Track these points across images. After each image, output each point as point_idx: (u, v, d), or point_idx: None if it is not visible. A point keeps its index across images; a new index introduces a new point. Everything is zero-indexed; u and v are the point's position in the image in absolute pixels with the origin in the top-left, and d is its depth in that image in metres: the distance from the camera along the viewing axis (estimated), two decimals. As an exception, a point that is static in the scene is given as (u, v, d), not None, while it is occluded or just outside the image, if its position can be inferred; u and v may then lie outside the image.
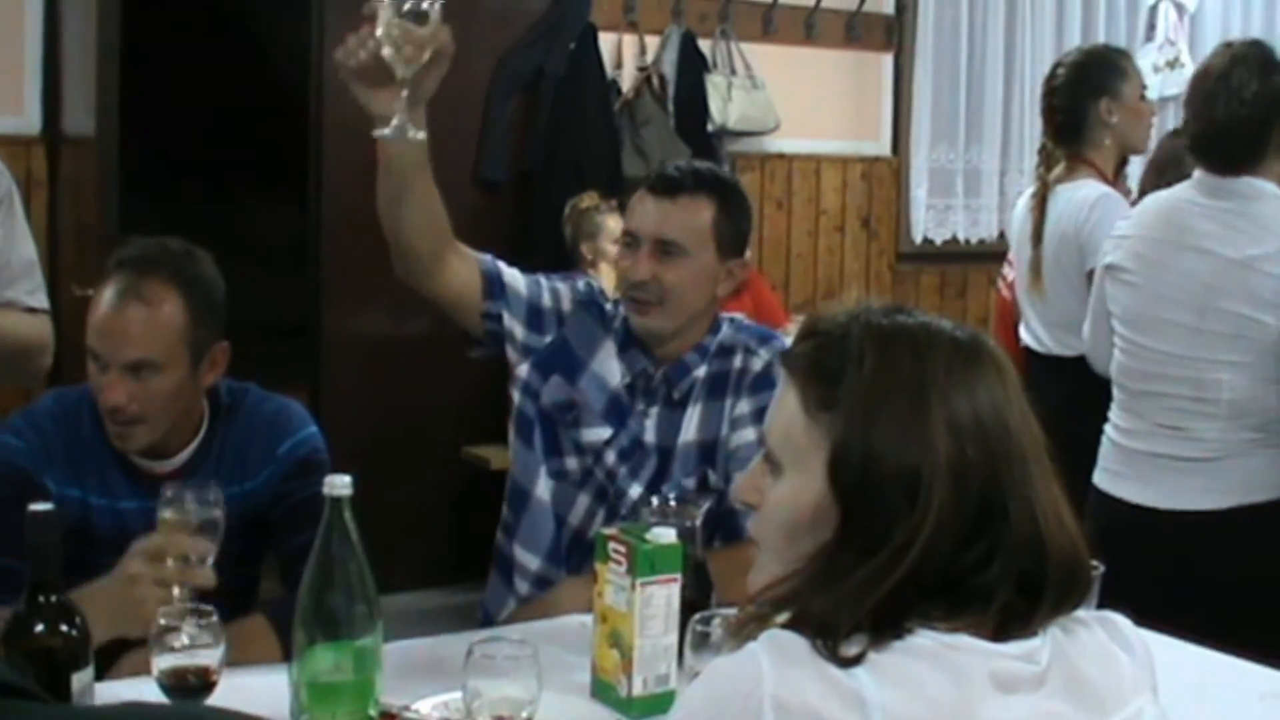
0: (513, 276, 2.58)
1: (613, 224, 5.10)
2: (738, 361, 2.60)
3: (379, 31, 2.06)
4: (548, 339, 2.59)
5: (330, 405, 5.41)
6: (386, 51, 2.06)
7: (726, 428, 2.57)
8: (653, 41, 5.98)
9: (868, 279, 6.69)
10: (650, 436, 2.59)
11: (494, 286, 2.53)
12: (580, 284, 2.67)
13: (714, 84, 5.98)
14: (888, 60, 6.74)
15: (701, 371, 2.59)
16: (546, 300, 2.60)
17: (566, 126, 5.63)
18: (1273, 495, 3.01)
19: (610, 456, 2.60)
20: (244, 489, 2.44)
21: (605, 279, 4.66)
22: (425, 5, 2.06)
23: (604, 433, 2.58)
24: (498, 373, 4.49)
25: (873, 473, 1.32)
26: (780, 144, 6.42)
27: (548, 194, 5.50)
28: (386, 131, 2.16)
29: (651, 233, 2.52)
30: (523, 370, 2.60)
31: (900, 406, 1.33)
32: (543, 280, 2.63)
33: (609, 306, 2.67)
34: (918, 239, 6.84)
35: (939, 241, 6.89)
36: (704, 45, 6.06)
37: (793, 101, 6.23)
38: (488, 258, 2.56)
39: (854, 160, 6.70)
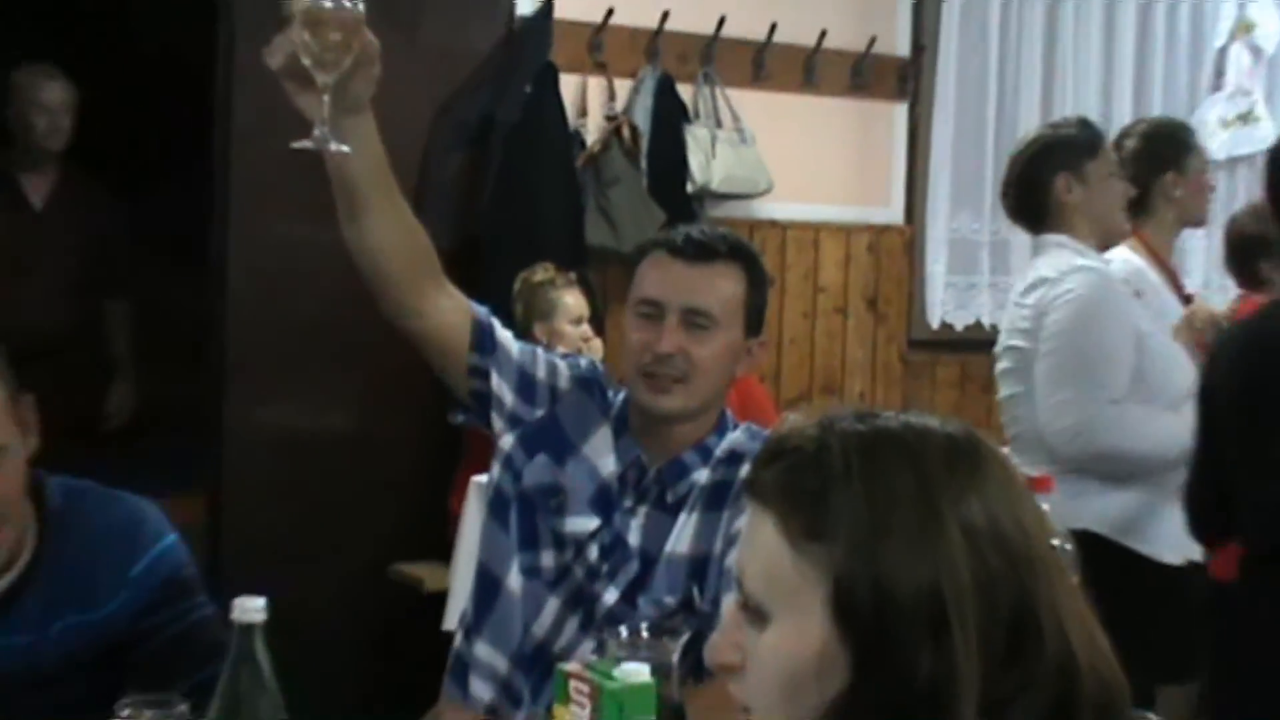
0: (506, 336, 2.67)
1: (571, 301, 5.08)
2: (744, 471, 2.52)
3: (293, 36, 2.18)
4: (538, 412, 2.67)
5: (234, 512, 5.40)
6: (304, 59, 2.17)
7: (721, 543, 2.62)
8: (623, 86, 6.00)
9: (874, 371, 6.59)
10: (634, 538, 2.65)
11: (485, 339, 2.61)
12: (583, 362, 2.76)
13: (695, 137, 5.99)
14: (901, 111, 6.72)
15: (702, 476, 2.66)
16: (541, 372, 2.68)
17: (520, 185, 5.63)
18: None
19: (593, 551, 2.65)
20: (89, 619, 2.38)
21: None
22: (329, 5, 2.15)
23: (590, 523, 2.66)
24: (433, 480, 4.81)
25: (888, 603, 1.31)
26: (772, 209, 6.36)
27: (498, 265, 5.47)
28: (306, 142, 2.24)
29: (682, 302, 2.59)
30: (507, 442, 2.68)
31: (908, 521, 1.33)
32: (540, 351, 2.73)
33: (610, 391, 2.75)
34: (934, 323, 6.79)
35: (960, 326, 6.82)
36: (684, 91, 6.06)
37: (787, 159, 6.21)
38: (483, 309, 2.65)
39: (859, 229, 6.63)
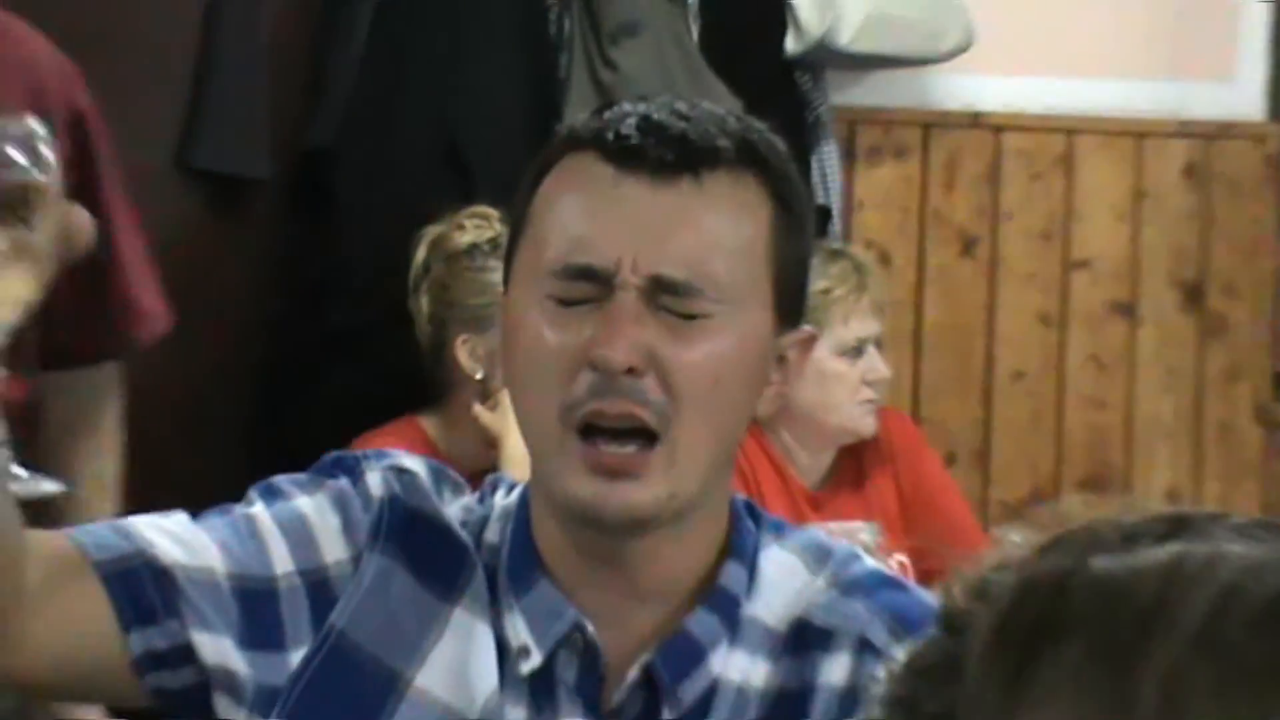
0: (186, 543, 1.94)
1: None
2: (836, 669, 1.91)
3: None
4: (294, 655, 1.94)
5: None
6: None
7: None
8: None
9: (1198, 436, 4.92)
10: None
11: (139, 591, 1.91)
12: (371, 478, 1.97)
13: None
14: None
15: (730, 667, 1.96)
16: (280, 560, 1.94)
17: (417, 47, 4.40)
18: None
19: None
20: None
21: (511, 438, 3.53)
22: (22, 165, 1.73)
23: None
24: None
25: None
26: (972, 90, 4.90)
27: (369, 211, 4.23)
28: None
29: (642, 261, 1.85)
30: None
31: None
32: (260, 514, 1.95)
33: (467, 505, 1.97)
34: None
35: None
36: None
37: None
38: (102, 535, 1.92)
39: (1162, 133, 4.96)
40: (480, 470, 2.41)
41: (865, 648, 1.88)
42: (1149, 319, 4.91)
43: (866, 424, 3.84)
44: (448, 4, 4.27)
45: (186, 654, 1.93)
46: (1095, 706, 0.91)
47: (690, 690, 1.97)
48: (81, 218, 1.80)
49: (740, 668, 1.95)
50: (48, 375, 3.31)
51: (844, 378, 3.73)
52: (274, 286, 4.22)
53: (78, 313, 3.21)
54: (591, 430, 1.83)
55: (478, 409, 3.71)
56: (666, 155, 1.86)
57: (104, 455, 3.31)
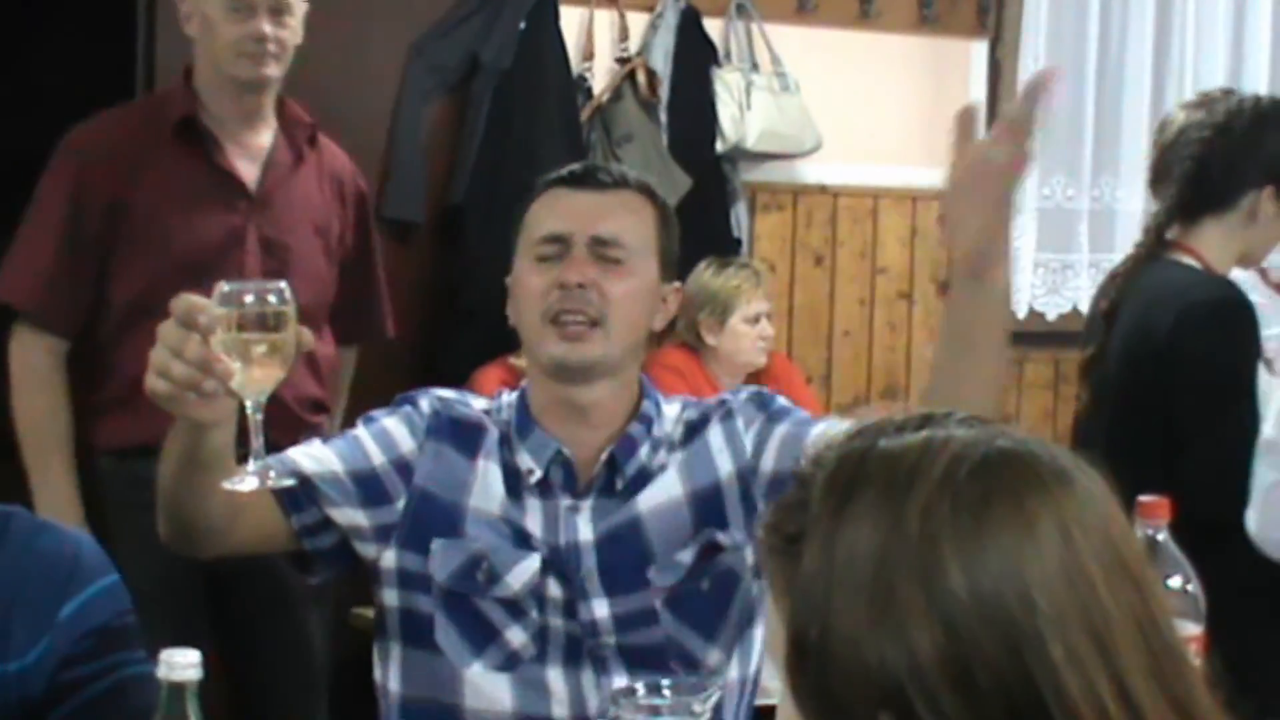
0: (317, 459, 2.42)
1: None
2: (714, 434, 2.51)
3: (215, 345, 2.01)
4: (400, 504, 2.44)
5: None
6: (235, 381, 2.03)
7: (732, 461, 2.46)
8: (638, 21, 5.61)
9: None
10: (586, 534, 2.42)
11: (295, 494, 2.37)
12: (423, 403, 2.51)
13: (726, 84, 5.63)
14: (980, 51, 6.24)
15: (653, 458, 2.47)
16: (376, 456, 2.45)
17: (510, 144, 5.27)
18: None
19: (554, 588, 2.41)
20: (7, 671, 2.11)
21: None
22: (275, 302, 2.02)
23: (530, 562, 2.40)
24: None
25: (834, 674, 1.22)
26: (821, 172, 5.95)
27: (480, 242, 5.06)
28: (243, 482, 2.10)
29: (586, 229, 2.43)
30: (389, 559, 2.43)
31: (860, 583, 1.21)
32: (361, 433, 2.47)
33: (481, 405, 2.51)
34: (1021, 312, 6.24)
35: (1053, 316, 6.33)
36: (712, 27, 5.69)
37: (840, 111, 5.83)
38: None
39: (928, 196, 6.00)
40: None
41: (725, 413, 2.52)
42: (919, 301, 6.19)
43: (761, 360, 4.95)
44: (529, 119, 5.29)
45: (327, 523, 2.44)
46: (884, 526, 1.22)
47: (631, 467, 2.51)
48: (304, 332, 2.07)
49: (660, 458, 2.51)
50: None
51: (748, 334, 4.78)
52: (427, 285, 5.24)
53: (354, 311, 4.09)
54: (558, 319, 2.41)
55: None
56: (598, 178, 2.54)
57: (341, 397, 4.10)
